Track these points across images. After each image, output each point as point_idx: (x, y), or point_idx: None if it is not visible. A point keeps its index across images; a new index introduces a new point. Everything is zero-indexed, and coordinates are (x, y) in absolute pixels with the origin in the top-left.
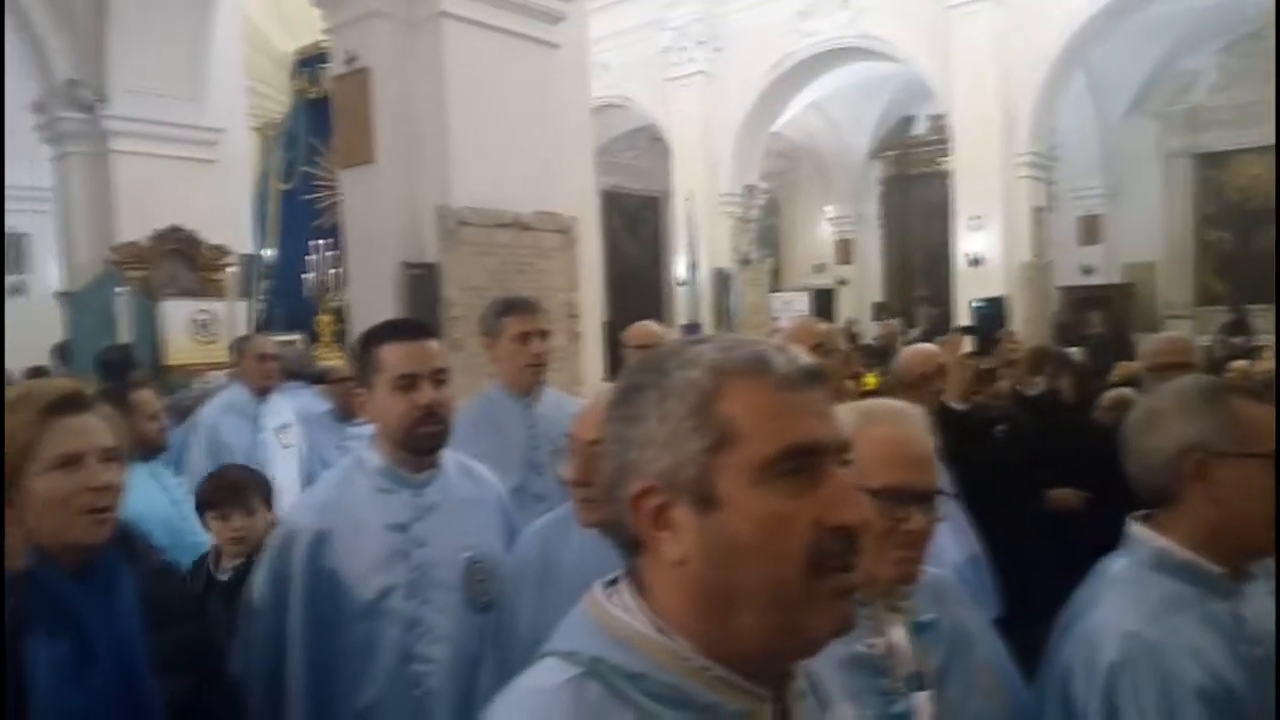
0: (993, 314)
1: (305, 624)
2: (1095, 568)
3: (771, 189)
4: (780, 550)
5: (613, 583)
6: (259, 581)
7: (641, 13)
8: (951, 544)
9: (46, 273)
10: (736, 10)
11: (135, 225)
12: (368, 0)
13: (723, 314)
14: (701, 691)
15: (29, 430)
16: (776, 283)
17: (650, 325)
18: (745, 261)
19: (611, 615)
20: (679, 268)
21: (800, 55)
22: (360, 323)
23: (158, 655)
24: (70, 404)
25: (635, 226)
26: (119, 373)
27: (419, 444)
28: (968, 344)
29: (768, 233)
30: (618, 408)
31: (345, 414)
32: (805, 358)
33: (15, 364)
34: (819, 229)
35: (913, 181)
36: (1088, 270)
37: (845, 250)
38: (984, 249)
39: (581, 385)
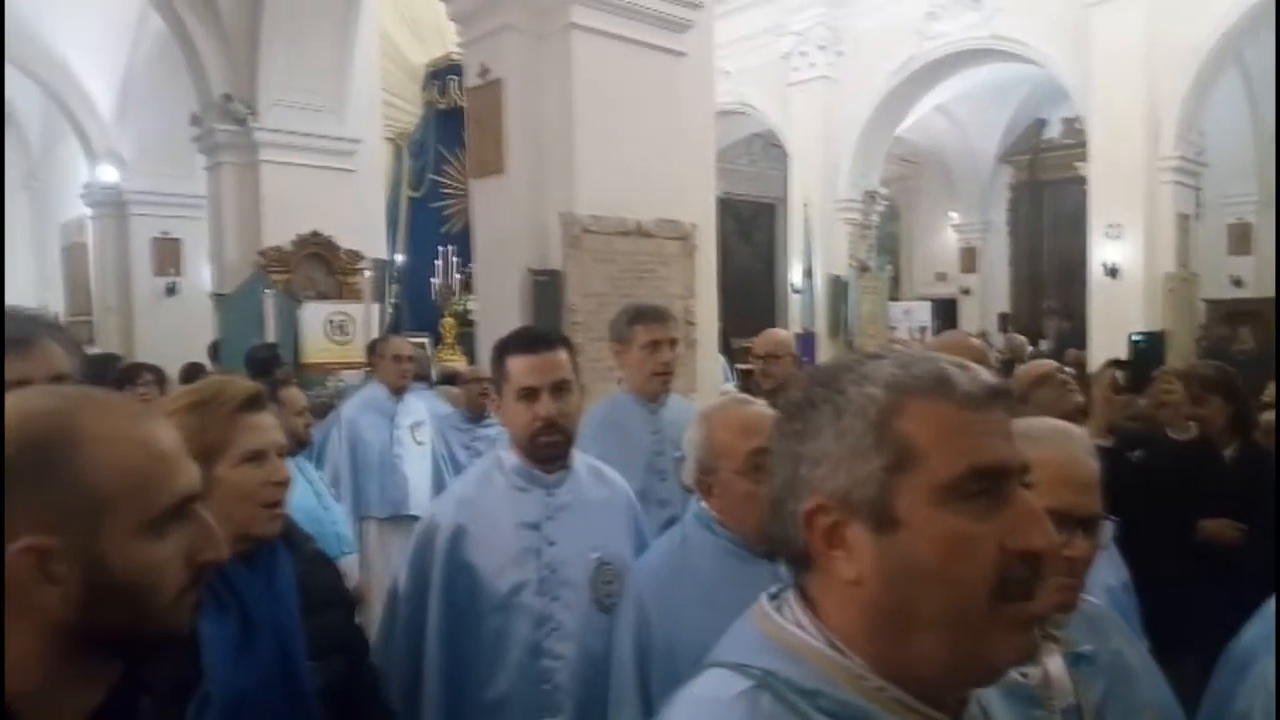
0: (1151, 349)
1: (443, 614)
2: (1264, 607)
3: (892, 194)
4: (964, 574)
5: (777, 596)
6: (402, 571)
7: (763, 19)
8: (1104, 568)
9: (198, 275)
10: (860, 14)
11: (279, 230)
12: (501, 14)
13: (839, 322)
14: (877, 711)
15: (223, 426)
16: (895, 291)
17: (779, 333)
18: (864, 269)
19: (782, 629)
20: (794, 275)
21: (926, 58)
22: (487, 327)
23: (311, 639)
24: (256, 403)
25: (748, 233)
26: (266, 370)
27: (538, 453)
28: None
29: (887, 240)
30: (788, 422)
31: (475, 414)
32: (988, 376)
33: (170, 360)
34: (942, 236)
35: (1044, 187)
36: (1237, 282)
37: (970, 258)
38: (1122, 259)
39: (697, 391)
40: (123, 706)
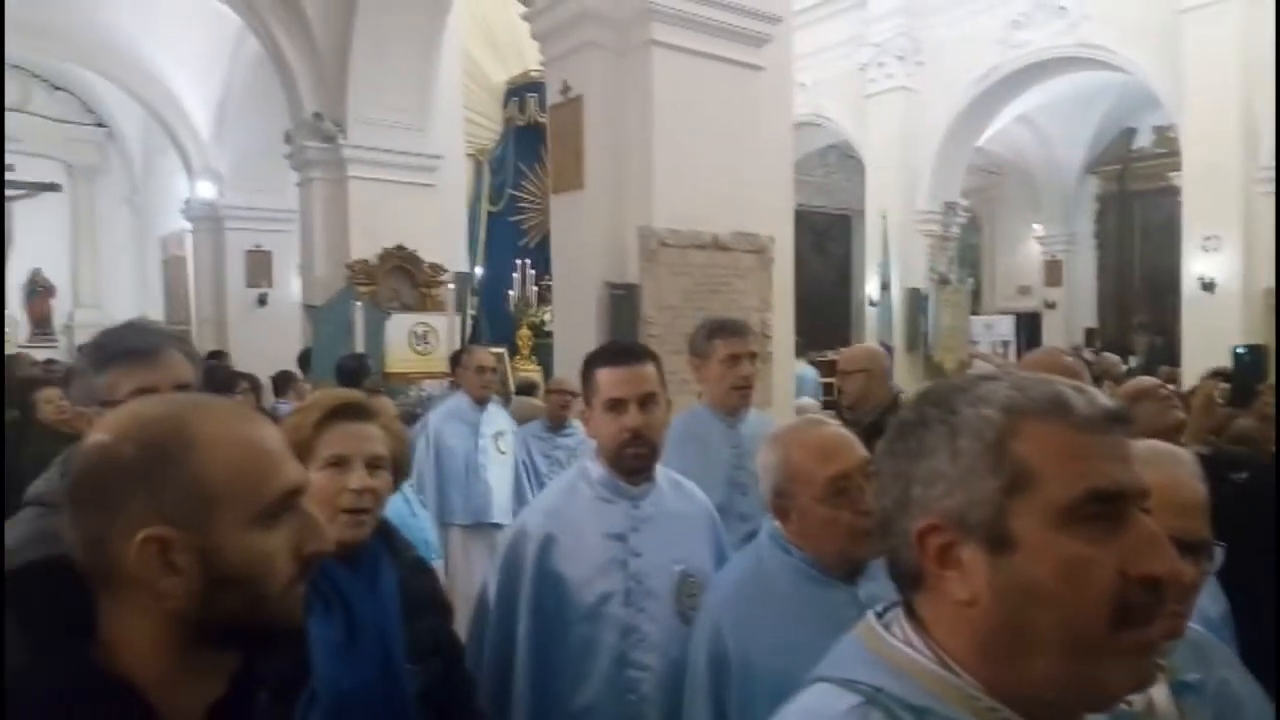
0: (1254, 363)
1: (532, 622)
2: None
3: (973, 206)
4: (1082, 598)
5: (884, 613)
6: (490, 579)
7: (840, 31)
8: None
9: (287, 286)
10: (941, 24)
11: (365, 244)
12: (583, 32)
13: (917, 336)
14: None
15: (309, 431)
16: (976, 305)
17: (870, 347)
18: (943, 282)
19: (891, 646)
20: (870, 287)
21: (1010, 67)
22: (564, 339)
23: (411, 643)
24: (347, 412)
25: (823, 245)
26: (355, 379)
27: (625, 464)
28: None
29: (967, 252)
30: (900, 441)
31: (555, 425)
32: (1106, 399)
33: (262, 368)
34: (1025, 248)
35: (1133, 198)
36: None
37: (1054, 271)
38: (1218, 272)
39: (771, 405)
40: (242, 699)
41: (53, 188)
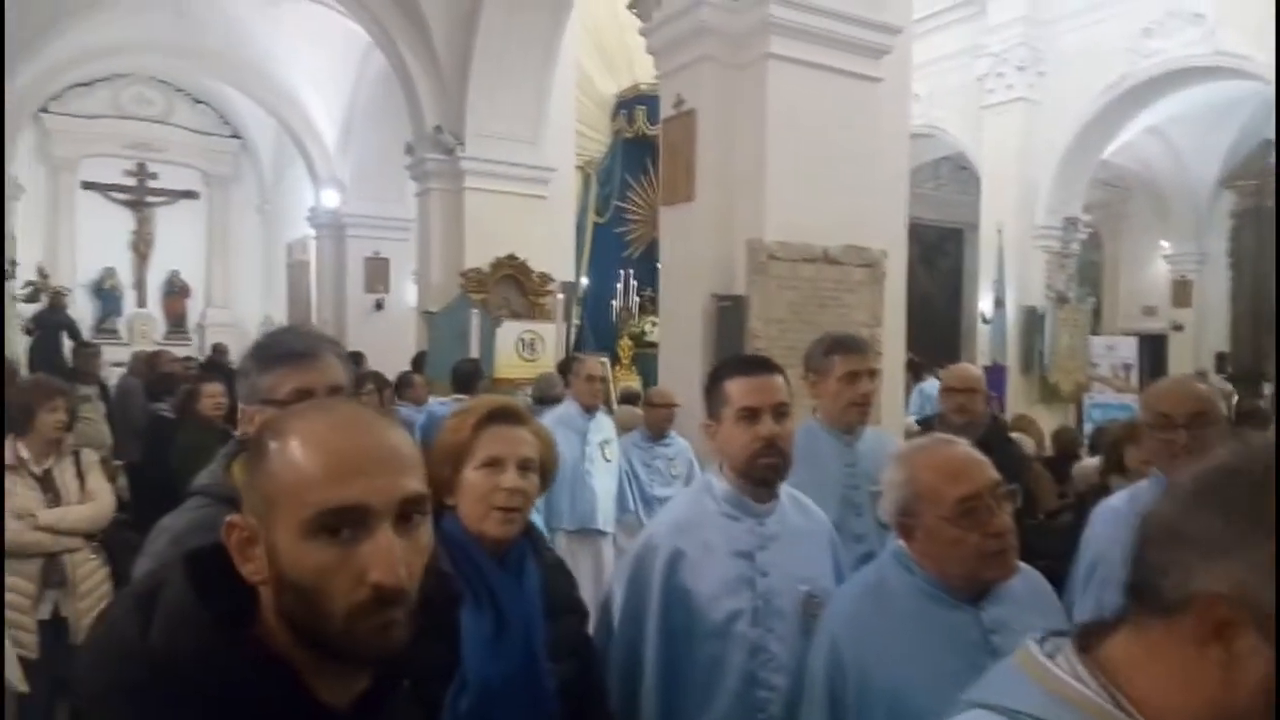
0: None
1: (660, 637)
2: None
3: (1095, 222)
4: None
5: (1045, 641)
6: (616, 591)
7: (958, 40)
8: None
9: (403, 292)
10: (1065, 32)
11: (478, 253)
12: (699, 46)
13: (1033, 357)
14: None
15: (467, 434)
16: (1097, 325)
17: (970, 368)
18: (1062, 300)
19: (1056, 677)
20: (983, 304)
21: (1139, 77)
22: (670, 349)
23: (550, 641)
24: (502, 416)
25: (933, 259)
26: (469, 383)
27: (759, 474)
28: None
29: (1089, 269)
30: (1208, 489)
31: (656, 435)
32: None
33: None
34: (1151, 267)
35: (1272, 215)
36: None
37: (1183, 291)
38: None
39: (879, 423)
40: (387, 687)
41: (191, 195)
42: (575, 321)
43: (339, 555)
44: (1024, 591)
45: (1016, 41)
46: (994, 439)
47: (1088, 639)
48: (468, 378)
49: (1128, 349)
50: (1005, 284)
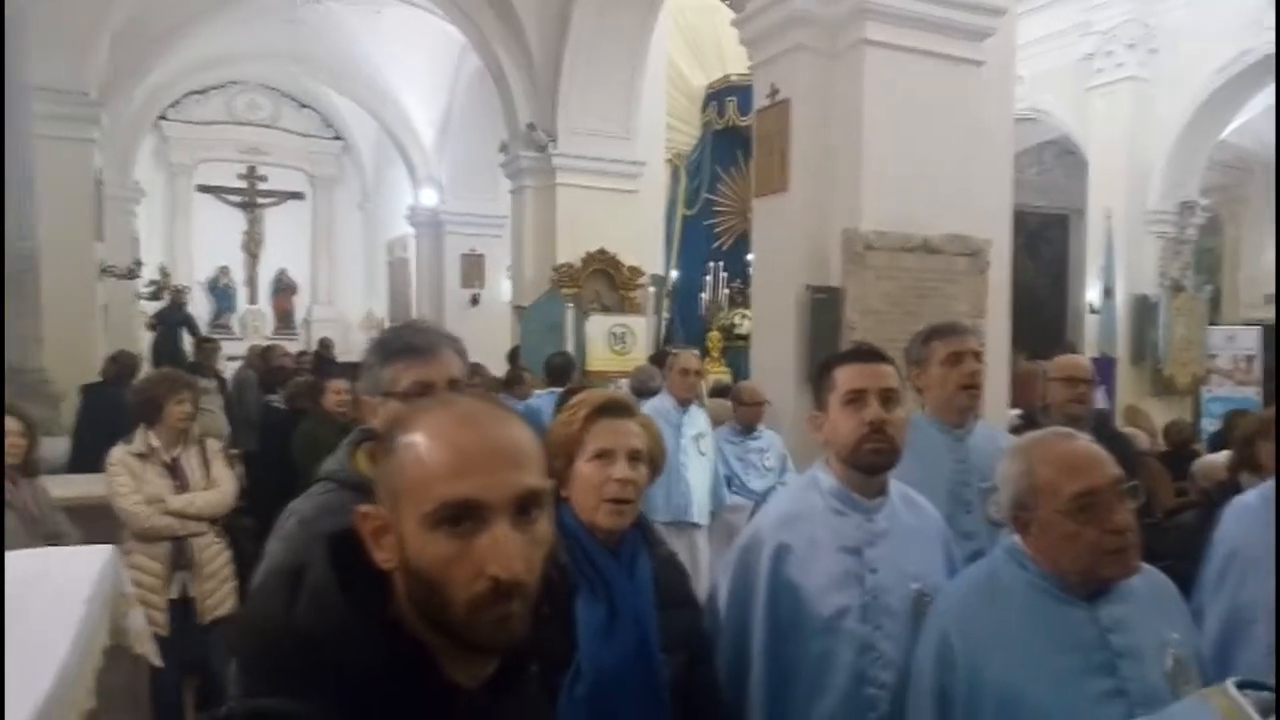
0: None
1: (768, 631)
2: None
3: (1213, 205)
4: None
5: (1246, 686)
6: (722, 585)
7: (1062, 19)
8: None
9: (497, 287)
10: (1177, 6)
11: (570, 248)
12: (793, 36)
13: (1145, 347)
14: None
15: (579, 427)
16: (1215, 314)
17: (1080, 359)
18: (1177, 288)
19: None
20: (1090, 293)
21: (1262, 52)
22: (762, 341)
23: (662, 632)
24: (611, 409)
25: (1036, 247)
26: (562, 376)
27: (865, 461)
28: None
29: (1206, 256)
30: None
31: (747, 429)
32: None
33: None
34: (1274, 252)
35: None
36: None
37: None
38: None
39: (982, 417)
40: (515, 671)
41: (297, 196)
42: (665, 315)
43: (459, 547)
44: (1145, 591)
45: (1125, 18)
46: (1102, 433)
47: None
48: (561, 370)
49: (1249, 339)
50: (1115, 272)
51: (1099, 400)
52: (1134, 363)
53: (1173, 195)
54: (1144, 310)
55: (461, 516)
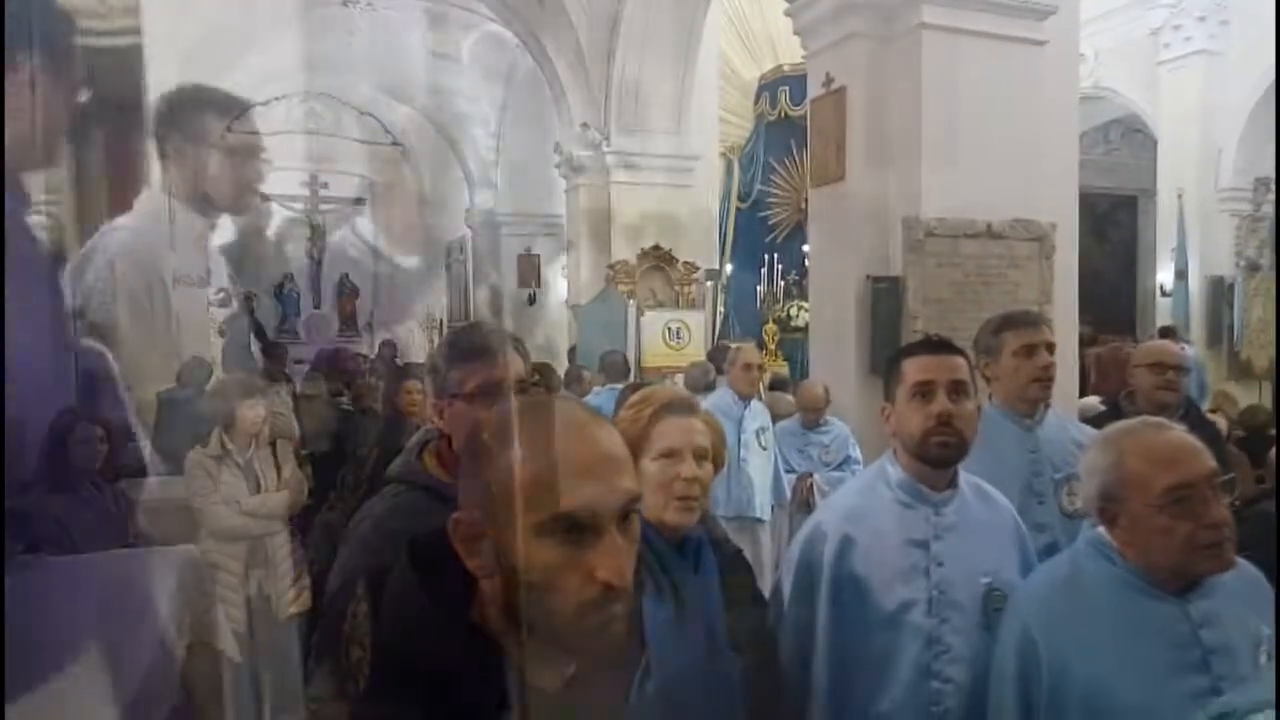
0: None
1: (831, 624)
2: None
3: None
4: None
5: None
6: (785, 578)
7: None
8: None
9: (555, 287)
10: None
11: (624, 245)
12: (847, 23)
13: (1220, 331)
14: None
15: (645, 424)
16: None
17: (1171, 345)
18: (1254, 268)
19: None
20: (1162, 275)
21: None
22: (821, 334)
23: (729, 630)
24: (676, 407)
25: (1103, 230)
26: (620, 374)
27: (931, 454)
28: None
29: None
30: None
31: (809, 422)
32: None
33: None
34: None
35: None
36: None
37: None
38: None
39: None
40: (596, 668)
41: (359, 203)
42: (720, 309)
43: (570, 555)
44: (1237, 585)
45: None
46: (1193, 422)
47: None
48: (617, 368)
49: None
50: (1187, 253)
51: (1191, 390)
52: (1209, 346)
53: (1247, 172)
54: (1219, 292)
55: (573, 526)
